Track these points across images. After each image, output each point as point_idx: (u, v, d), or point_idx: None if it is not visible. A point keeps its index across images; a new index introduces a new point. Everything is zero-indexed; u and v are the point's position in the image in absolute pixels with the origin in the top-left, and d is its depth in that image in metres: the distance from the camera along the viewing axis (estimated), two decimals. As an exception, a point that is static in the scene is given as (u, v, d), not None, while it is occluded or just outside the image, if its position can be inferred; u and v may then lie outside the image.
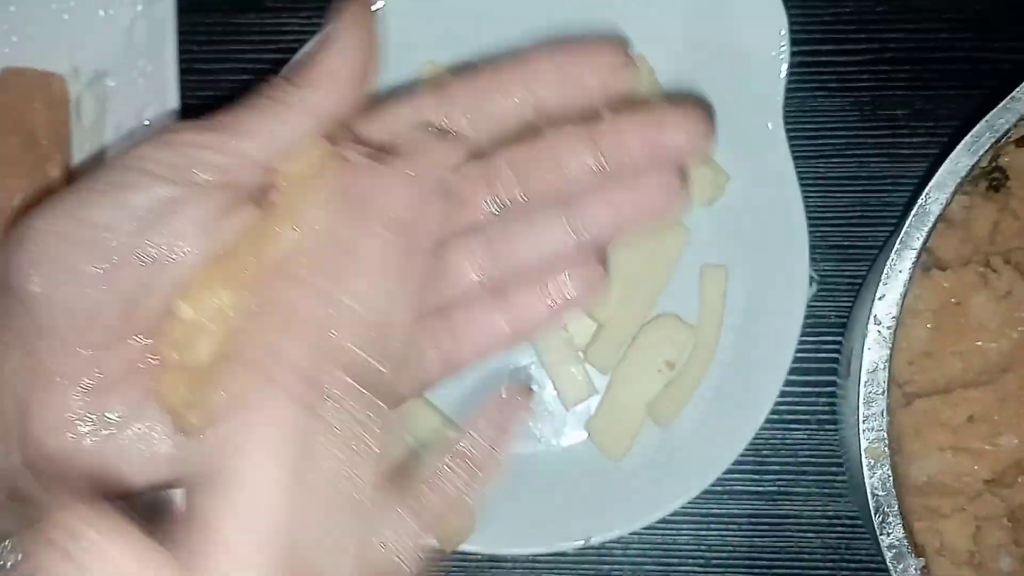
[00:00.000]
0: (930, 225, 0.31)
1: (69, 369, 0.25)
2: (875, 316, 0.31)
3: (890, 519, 0.31)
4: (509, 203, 0.28)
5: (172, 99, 0.44)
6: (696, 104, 0.28)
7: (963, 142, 0.32)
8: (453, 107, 0.28)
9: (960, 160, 0.32)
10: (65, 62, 0.45)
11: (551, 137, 0.28)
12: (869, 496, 0.30)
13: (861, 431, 0.30)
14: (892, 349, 0.31)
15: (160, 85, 0.44)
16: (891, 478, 0.30)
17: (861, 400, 0.30)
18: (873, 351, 0.31)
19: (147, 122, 0.44)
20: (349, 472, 0.23)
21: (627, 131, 0.28)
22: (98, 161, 0.45)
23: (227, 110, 0.27)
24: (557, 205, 0.28)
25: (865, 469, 0.30)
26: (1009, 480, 0.37)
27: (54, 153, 0.44)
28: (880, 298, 0.32)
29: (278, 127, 0.26)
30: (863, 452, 0.30)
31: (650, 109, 0.28)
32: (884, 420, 0.30)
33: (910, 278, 0.31)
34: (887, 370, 0.31)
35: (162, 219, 0.25)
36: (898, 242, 0.32)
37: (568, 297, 0.28)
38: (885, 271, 0.32)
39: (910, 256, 0.32)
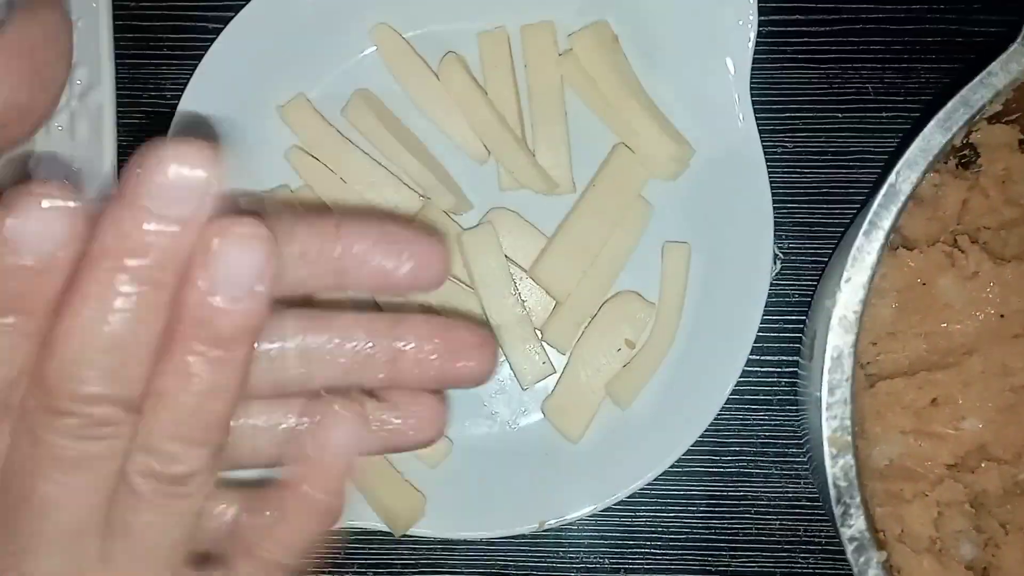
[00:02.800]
0: (900, 205, 0.30)
1: None
2: (840, 300, 0.30)
3: (852, 510, 0.30)
4: None
5: (107, 62, 0.42)
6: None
7: (936, 118, 0.30)
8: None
9: (933, 137, 0.30)
10: (-10, 16, 0.43)
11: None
12: (831, 486, 0.29)
13: (824, 419, 0.29)
14: (858, 334, 0.30)
15: (94, 45, 0.41)
16: (854, 468, 0.29)
17: (825, 387, 0.29)
18: (837, 336, 0.30)
19: (79, 82, 0.42)
20: None
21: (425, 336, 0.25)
22: None
23: None
24: None
25: (827, 459, 0.29)
26: (972, 465, 0.36)
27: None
28: (846, 281, 0.30)
29: None
30: (825, 441, 0.29)
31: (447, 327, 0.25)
32: (848, 408, 0.29)
33: (878, 260, 0.30)
34: (852, 356, 0.30)
35: None
36: (866, 223, 0.31)
37: None
38: (852, 253, 0.30)
39: (879, 237, 0.31)
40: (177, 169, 0.20)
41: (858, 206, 0.44)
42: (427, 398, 0.26)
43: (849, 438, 0.29)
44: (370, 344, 0.24)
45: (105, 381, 0.20)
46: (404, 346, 0.25)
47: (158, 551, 0.23)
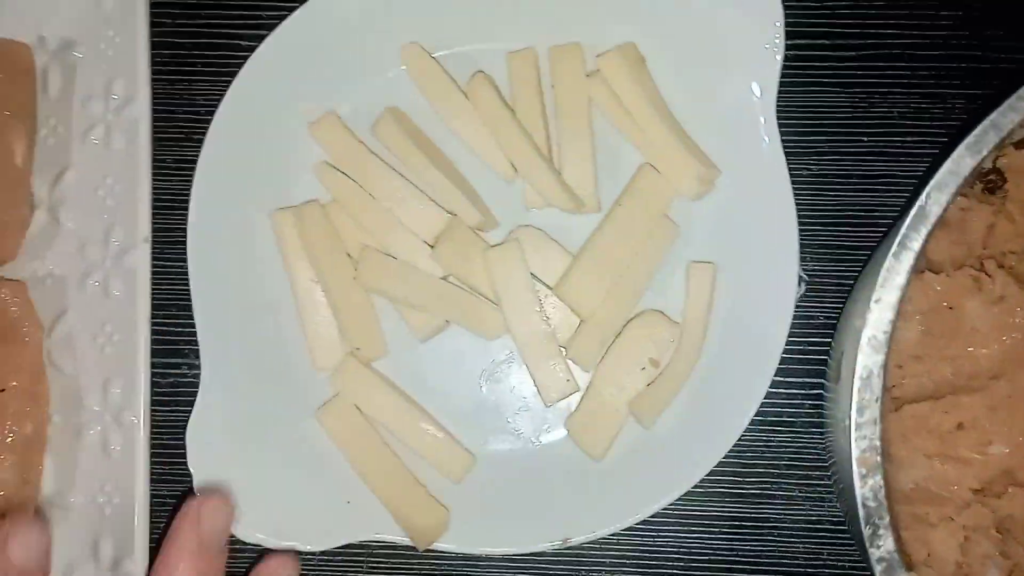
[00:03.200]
0: (929, 227, 0.30)
1: None
2: (870, 320, 0.30)
3: (880, 531, 0.29)
4: None
5: (143, 75, 0.42)
6: None
7: (965, 142, 0.31)
8: None
9: (962, 160, 0.31)
10: (32, 31, 0.44)
11: None
12: (859, 506, 0.29)
13: (853, 439, 0.29)
14: (887, 355, 0.30)
15: (130, 58, 0.42)
16: (883, 488, 0.29)
17: (854, 407, 0.29)
18: (867, 356, 0.30)
19: (115, 96, 0.43)
20: None
21: None
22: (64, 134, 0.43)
23: None
24: None
25: (856, 479, 0.29)
26: (998, 490, 0.36)
27: (18, 124, 0.42)
28: (876, 301, 0.30)
29: None
30: (855, 461, 0.29)
31: None
32: (877, 428, 0.29)
33: (907, 281, 0.30)
34: (881, 376, 0.30)
35: None
36: (896, 244, 0.31)
37: None
38: (882, 274, 0.30)
39: (908, 259, 0.31)
40: None
41: (884, 230, 0.44)
42: None
43: (878, 458, 0.29)
44: None
45: None
46: None
47: None
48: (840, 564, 0.44)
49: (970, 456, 0.37)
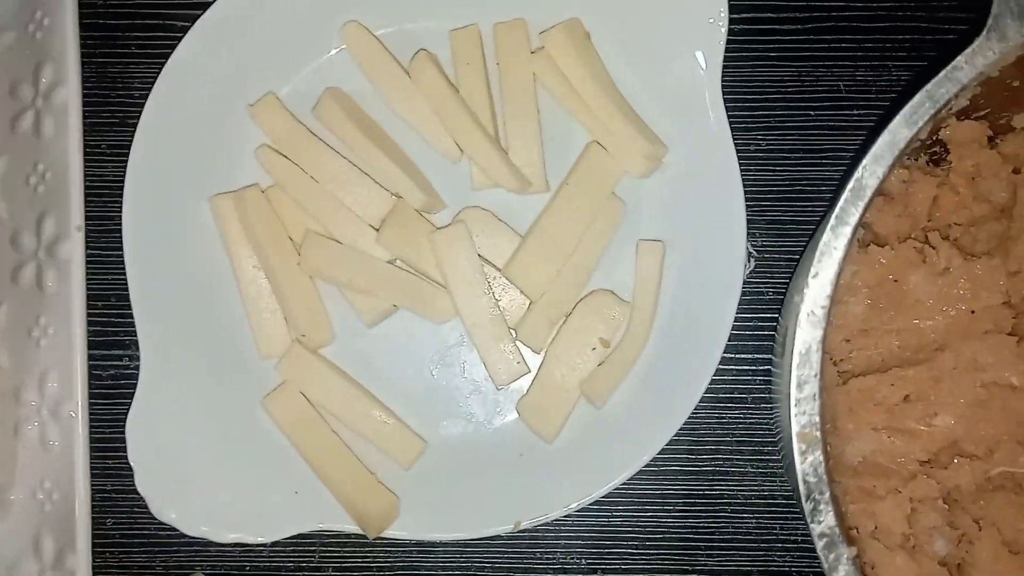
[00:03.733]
0: (866, 200, 0.30)
1: None
2: (808, 295, 0.30)
3: (821, 506, 0.29)
4: None
5: (72, 58, 0.41)
6: None
7: (901, 113, 0.30)
8: None
9: (899, 132, 0.30)
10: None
11: None
12: (800, 482, 0.29)
13: (793, 415, 0.29)
14: (826, 329, 0.30)
15: (60, 40, 0.41)
16: (823, 464, 0.29)
17: (793, 383, 0.29)
18: (806, 331, 0.30)
19: (44, 80, 0.41)
20: None
21: None
22: (-8, 123, 0.42)
23: None
24: None
25: (796, 454, 0.29)
26: (944, 461, 0.36)
27: (-59, 114, 0.41)
28: (813, 276, 0.30)
29: None
30: (795, 436, 0.29)
31: None
32: (816, 404, 0.29)
33: (845, 255, 0.30)
34: (820, 351, 0.30)
35: None
36: (833, 218, 0.31)
37: None
38: (820, 249, 0.30)
39: (845, 233, 0.31)
40: None
41: (829, 204, 0.44)
42: None
43: (818, 434, 0.29)
44: None
45: None
46: None
47: None
48: (792, 538, 0.44)
49: (916, 428, 0.37)
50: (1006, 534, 0.35)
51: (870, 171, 0.30)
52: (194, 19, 0.42)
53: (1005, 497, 0.36)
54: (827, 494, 0.29)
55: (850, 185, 0.30)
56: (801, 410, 0.30)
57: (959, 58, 0.30)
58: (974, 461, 0.37)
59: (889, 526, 0.35)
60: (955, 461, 0.37)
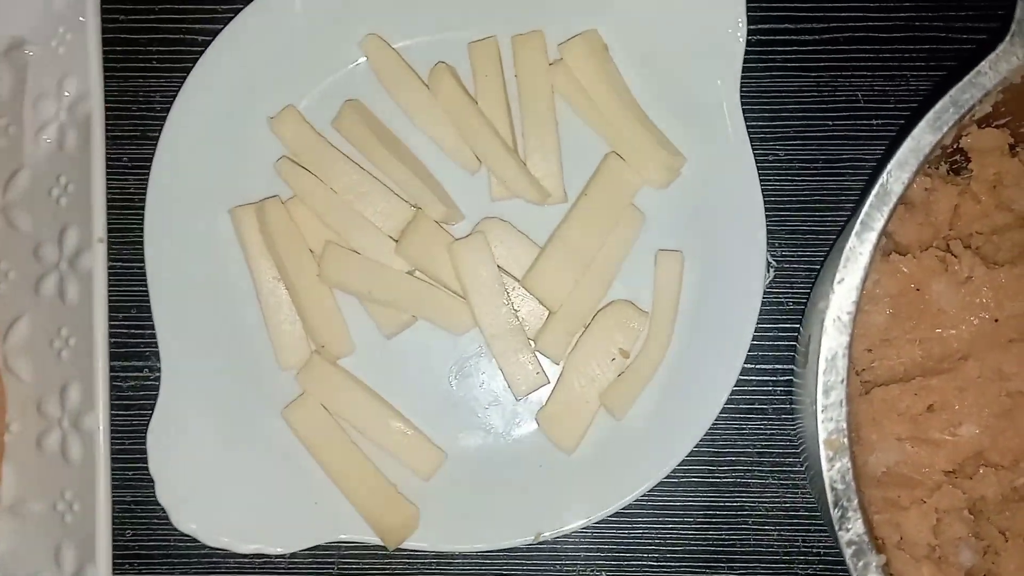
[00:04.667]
0: (891, 205, 0.30)
1: None
2: (834, 301, 0.29)
3: (849, 513, 0.29)
4: None
5: (95, 72, 0.41)
6: None
7: (925, 119, 0.30)
8: None
9: (923, 138, 0.30)
10: (-21, 29, 0.42)
11: None
12: (828, 490, 0.29)
13: (820, 421, 0.29)
14: (852, 336, 0.30)
15: (82, 55, 0.41)
16: (850, 470, 0.29)
17: (820, 389, 0.29)
18: (831, 338, 0.30)
19: (67, 94, 0.42)
20: None
21: None
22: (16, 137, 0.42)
23: None
24: None
25: (824, 461, 0.29)
26: (970, 471, 0.36)
27: (-33, 127, 0.41)
28: (839, 282, 0.30)
29: None
30: (821, 444, 0.29)
31: None
32: (843, 410, 0.29)
33: (870, 262, 0.30)
34: (846, 358, 0.29)
35: None
36: (858, 223, 0.30)
37: None
38: (845, 254, 0.30)
39: (871, 239, 0.30)
40: None
41: (849, 213, 0.44)
42: None
43: (845, 441, 0.29)
44: None
45: None
46: None
47: None
48: (815, 551, 0.43)
49: (941, 438, 0.36)
50: (1033, 544, 0.35)
51: (895, 177, 0.30)
52: (215, 34, 0.42)
53: (1032, 507, 0.35)
54: (855, 501, 0.29)
55: (875, 191, 0.30)
56: (828, 416, 0.29)
57: (983, 63, 0.30)
58: (1000, 471, 0.37)
59: (914, 537, 0.35)
60: (980, 471, 0.37)
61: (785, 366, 0.44)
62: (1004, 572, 0.36)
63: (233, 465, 0.42)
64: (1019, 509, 0.36)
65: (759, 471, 0.44)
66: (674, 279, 0.42)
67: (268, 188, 0.43)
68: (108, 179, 0.42)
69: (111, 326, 0.42)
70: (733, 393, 0.41)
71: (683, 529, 0.44)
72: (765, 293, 0.41)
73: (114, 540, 0.41)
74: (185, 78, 0.42)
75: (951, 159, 0.39)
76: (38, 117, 0.42)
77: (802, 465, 0.43)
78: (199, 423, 0.42)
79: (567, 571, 0.44)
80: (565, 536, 0.42)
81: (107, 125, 0.42)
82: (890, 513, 0.35)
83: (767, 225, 0.41)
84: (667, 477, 0.41)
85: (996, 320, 0.37)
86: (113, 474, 0.41)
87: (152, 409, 0.41)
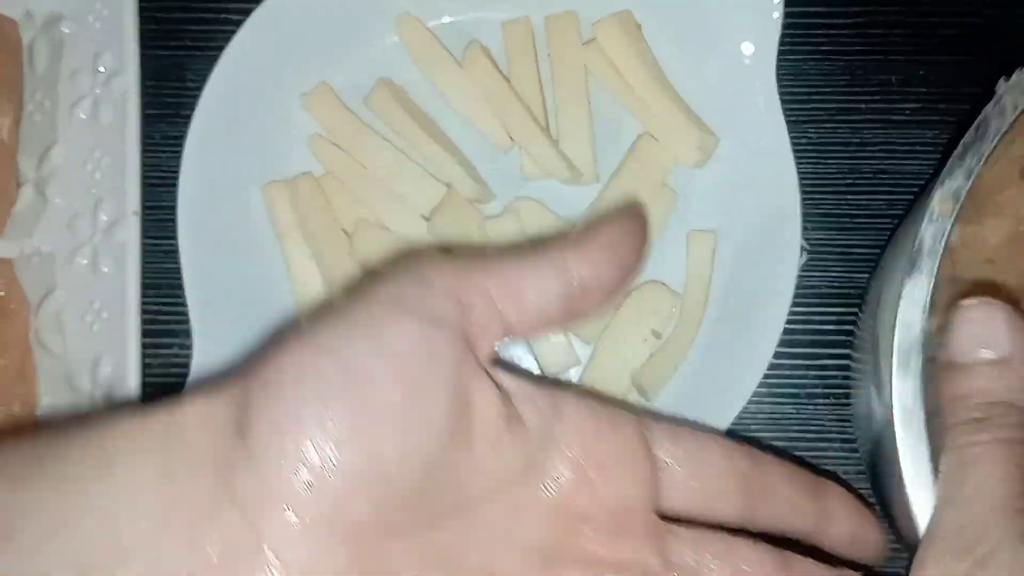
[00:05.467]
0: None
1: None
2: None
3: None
4: None
5: (131, 48, 0.42)
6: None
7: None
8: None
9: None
10: (18, 5, 0.43)
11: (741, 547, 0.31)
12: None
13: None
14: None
15: (117, 31, 0.41)
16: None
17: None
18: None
19: (103, 69, 0.42)
20: None
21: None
22: (50, 111, 0.42)
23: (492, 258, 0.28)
24: None
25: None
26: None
27: (3, 101, 0.41)
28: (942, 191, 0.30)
29: (535, 286, 0.28)
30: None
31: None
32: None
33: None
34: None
35: (420, 359, 0.25)
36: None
37: None
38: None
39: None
40: None
41: (883, 198, 0.44)
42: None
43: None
44: None
45: None
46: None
47: None
48: (848, 537, 0.43)
49: None
50: None
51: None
52: (248, 12, 0.42)
53: None
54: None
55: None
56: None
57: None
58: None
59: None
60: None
61: (817, 350, 0.43)
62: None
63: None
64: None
65: (791, 455, 0.43)
66: (706, 260, 0.42)
67: (301, 165, 0.43)
68: (142, 157, 0.42)
69: (143, 303, 0.42)
70: (765, 377, 0.41)
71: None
72: (798, 277, 0.41)
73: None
74: (219, 56, 0.42)
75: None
76: (73, 92, 0.42)
77: (836, 450, 0.43)
78: (229, 399, 0.41)
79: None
80: (595, 519, 0.42)
81: (141, 103, 0.42)
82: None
83: (801, 207, 0.41)
84: (699, 460, 0.41)
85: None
86: (143, 449, 0.41)
87: (183, 387, 0.41)
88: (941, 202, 0.31)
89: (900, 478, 0.29)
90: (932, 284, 0.30)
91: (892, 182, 0.44)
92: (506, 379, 0.28)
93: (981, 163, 0.31)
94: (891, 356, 0.29)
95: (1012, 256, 0.36)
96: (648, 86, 0.42)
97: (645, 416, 0.31)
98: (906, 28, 0.44)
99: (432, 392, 0.25)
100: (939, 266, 0.30)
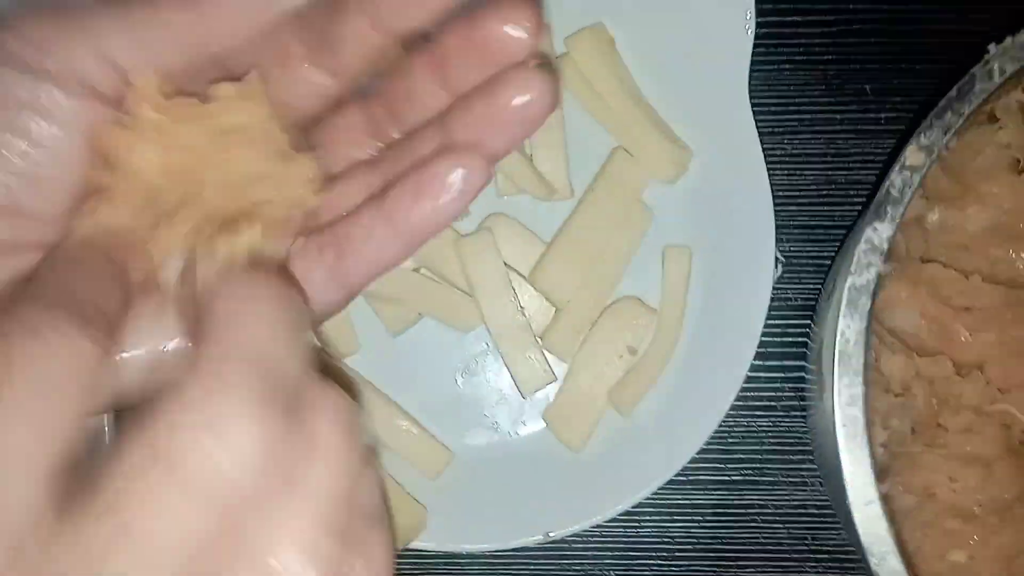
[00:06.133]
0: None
1: None
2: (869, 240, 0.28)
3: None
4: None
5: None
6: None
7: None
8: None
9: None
10: None
11: (406, 77, 0.25)
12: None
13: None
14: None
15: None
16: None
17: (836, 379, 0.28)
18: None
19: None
20: None
21: (463, 52, 0.24)
22: None
23: None
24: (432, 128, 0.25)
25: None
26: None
27: None
28: (874, 229, 0.29)
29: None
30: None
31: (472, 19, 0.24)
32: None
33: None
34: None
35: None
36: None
37: (450, 193, 0.24)
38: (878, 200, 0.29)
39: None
40: None
41: (859, 208, 0.44)
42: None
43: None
44: None
45: None
46: None
47: None
48: (826, 548, 0.43)
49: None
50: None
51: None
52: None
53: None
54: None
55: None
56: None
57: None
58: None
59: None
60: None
61: (793, 363, 0.43)
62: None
63: (238, 465, 0.41)
64: None
65: (768, 468, 0.43)
66: (682, 275, 0.42)
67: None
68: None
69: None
70: (742, 390, 0.41)
71: (692, 527, 0.44)
72: (773, 289, 0.41)
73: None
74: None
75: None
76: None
77: (812, 462, 0.43)
78: (204, 423, 0.41)
79: (575, 570, 0.43)
80: (574, 535, 0.42)
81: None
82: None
83: (776, 220, 0.41)
84: (675, 475, 0.41)
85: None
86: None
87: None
88: (913, 154, 0.30)
89: (842, 486, 0.28)
90: (895, 229, 0.29)
91: (867, 192, 0.44)
92: None
93: (961, 121, 0.30)
94: (833, 356, 0.29)
95: (987, 246, 0.36)
96: (621, 100, 0.42)
97: None
98: (882, 36, 0.44)
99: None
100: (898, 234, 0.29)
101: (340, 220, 0.25)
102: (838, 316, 0.28)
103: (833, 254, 0.43)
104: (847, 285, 0.28)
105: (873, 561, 0.27)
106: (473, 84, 0.24)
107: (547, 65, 0.24)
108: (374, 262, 0.25)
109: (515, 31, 0.23)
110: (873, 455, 0.27)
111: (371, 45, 0.24)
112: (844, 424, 0.27)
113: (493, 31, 0.23)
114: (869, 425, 0.27)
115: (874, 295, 0.28)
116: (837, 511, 0.34)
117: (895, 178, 0.29)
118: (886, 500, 0.28)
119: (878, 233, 0.28)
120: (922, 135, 0.30)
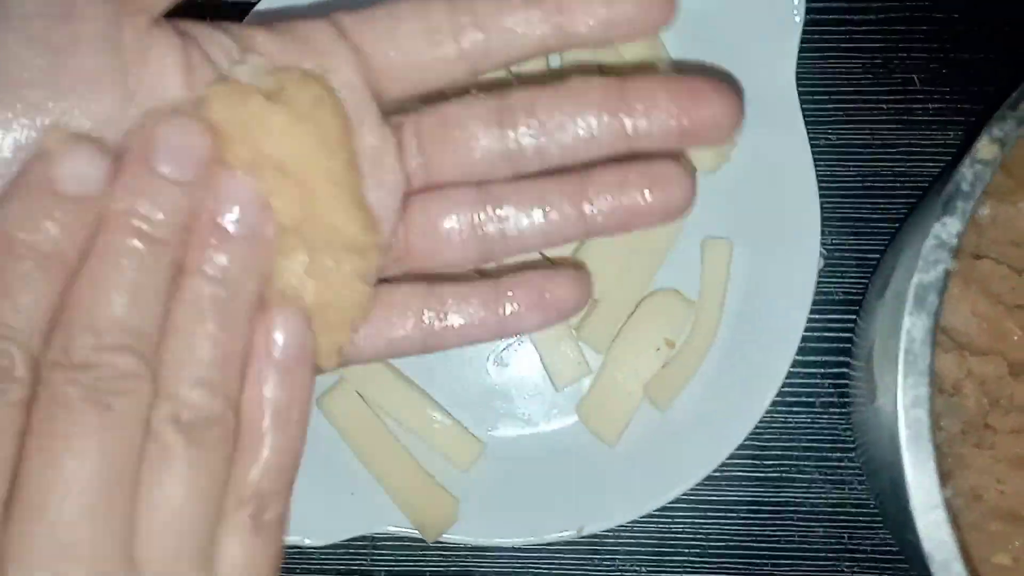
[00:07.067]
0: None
1: None
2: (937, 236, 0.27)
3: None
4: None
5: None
6: (722, 81, 0.27)
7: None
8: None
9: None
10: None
11: (574, 83, 0.26)
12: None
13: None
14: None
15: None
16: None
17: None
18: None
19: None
20: None
21: (659, 91, 0.26)
22: None
23: None
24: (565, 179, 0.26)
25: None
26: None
27: None
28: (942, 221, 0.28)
29: None
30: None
31: (680, 79, 0.26)
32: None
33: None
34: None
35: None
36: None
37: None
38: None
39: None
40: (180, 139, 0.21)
41: (904, 200, 0.43)
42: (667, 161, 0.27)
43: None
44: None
45: (125, 332, 0.20)
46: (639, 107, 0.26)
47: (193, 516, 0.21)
48: (862, 547, 0.42)
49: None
50: None
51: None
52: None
53: None
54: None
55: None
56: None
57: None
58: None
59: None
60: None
61: (834, 358, 0.42)
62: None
63: (267, 454, 0.41)
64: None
65: (805, 466, 0.43)
66: (722, 268, 0.41)
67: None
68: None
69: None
70: (781, 386, 0.40)
71: (726, 524, 0.43)
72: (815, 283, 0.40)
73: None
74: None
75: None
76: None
77: (852, 460, 0.42)
78: (232, 411, 0.41)
79: (606, 566, 0.43)
80: (606, 530, 0.41)
81: None
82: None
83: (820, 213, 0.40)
84: (711, 471, 0.40)
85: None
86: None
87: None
88: (986, 146, 0.29)
89: (899, 489, 0.27)
90: (965, 225, 0.28)
91: (911, 184, 0.43)
92: (191, 27, 0.24)
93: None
94: (896, 355, 0.27)
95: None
96: (663, 87, 0.41)
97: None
98: (930, 24, 0.43)
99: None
100: (966, 231, 0.28)
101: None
102: (897, 314, 0.27)
103: (879, 248, 0.42)
104: (914, 282, 0.27)
105: (935, 567, 0.26)
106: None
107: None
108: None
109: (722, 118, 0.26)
110: (937, 459, 0.26)
111: (535, 36, 0.25)
112: (908, 426, 0.26)
113: (704, 107, 0.26)
114: (934, 428, 0.26)
115: (941, 293, 0.27)
116: (882, 512, 0.33)
117: (966, 171, 0.28)
118: (948, 505, 0.26)
119: (947, 228, 0.27)
120: (995, 127, 0.28)
